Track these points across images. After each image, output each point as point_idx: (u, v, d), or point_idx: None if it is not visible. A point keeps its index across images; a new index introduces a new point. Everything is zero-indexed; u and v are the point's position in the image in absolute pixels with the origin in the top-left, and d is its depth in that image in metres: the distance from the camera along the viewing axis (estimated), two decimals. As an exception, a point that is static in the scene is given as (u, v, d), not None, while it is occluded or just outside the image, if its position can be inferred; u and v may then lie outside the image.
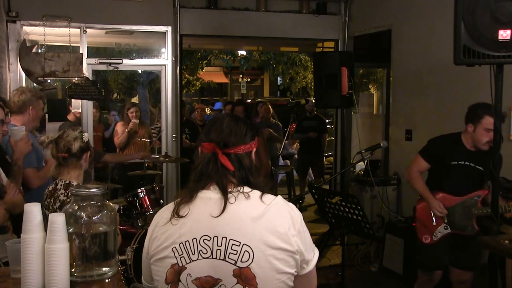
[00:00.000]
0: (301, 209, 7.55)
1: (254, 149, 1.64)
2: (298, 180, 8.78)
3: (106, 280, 1.85)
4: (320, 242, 5.51)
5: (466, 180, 3.41)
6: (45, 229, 1.73)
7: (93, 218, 1.85)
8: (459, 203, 3.43)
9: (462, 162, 3.40)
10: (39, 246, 1.72)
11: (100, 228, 1.86)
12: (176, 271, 1.49)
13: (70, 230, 1.80)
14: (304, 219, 1.57)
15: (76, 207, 1.85)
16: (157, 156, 5.28)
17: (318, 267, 1.60)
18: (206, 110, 11.99)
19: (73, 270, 1.81)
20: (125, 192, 4.53)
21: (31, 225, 1.73)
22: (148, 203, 4.20)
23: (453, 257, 3.55)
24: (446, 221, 3.47)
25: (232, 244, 1.46)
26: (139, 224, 4.12)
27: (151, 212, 4.15)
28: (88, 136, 2.71)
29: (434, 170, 3.58)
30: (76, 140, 2.63)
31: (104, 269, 1.87)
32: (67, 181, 2.61)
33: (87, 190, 1.86)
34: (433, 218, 3.52)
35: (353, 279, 4.93)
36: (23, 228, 1.74)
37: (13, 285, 1.82)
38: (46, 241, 1.70)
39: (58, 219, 1.70)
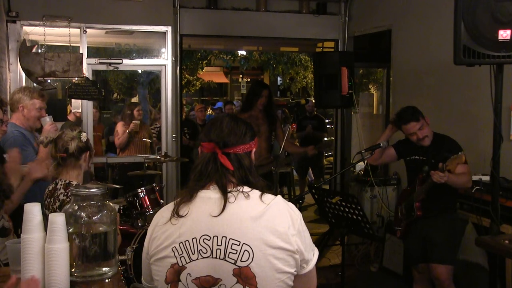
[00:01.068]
0: (301, 209, 7.55)
1: (254, 149, 1.64)
2: (298, 180, 8.77)
3: (106, 280, 1.85)
4: (320, 242, 5.51)
5: (417, 173, 3.63)
6: (45, 229, 1.73)
7: (93, 218, 1.85)
8: (407, 195, 3.70)
9: (413, 157, 3.68)
10: (39, 246, 1.72)
11: (100, 228, 1.86)
12: (176, 271, 1.49)
13: (70, 230, 1.80)
14: (304, 219, 1.57)
15: (76, 207, 1.86)
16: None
17: (318, 267, 1.61)
18: (207, 111, 11.98)
19: (73, 270, 1.81)
20: (125, 192, 4.52)
21: (31, 225, 1.73)
22: (148, 203, 4.21)
23: (426, 252, 3.58)
24: (404, 212, 3.70)
25: (232, 244, 1.46)
26: (139, 224, 4.12)
27: (151, 212, 4.15)
28: (86, 136, 2.71)
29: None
30: (73, 140, 2.62)
31: (104, 269, 1.87)
32: (67, 181, 2.61)
33: (87, 190, 1.86)
34: (399, 213, 3.77)
35: (353, 279, 4.92)
36: (23, 228, 1.74)
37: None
38: (46, 241, 1.71)
39: (58, 219, 1.70)
